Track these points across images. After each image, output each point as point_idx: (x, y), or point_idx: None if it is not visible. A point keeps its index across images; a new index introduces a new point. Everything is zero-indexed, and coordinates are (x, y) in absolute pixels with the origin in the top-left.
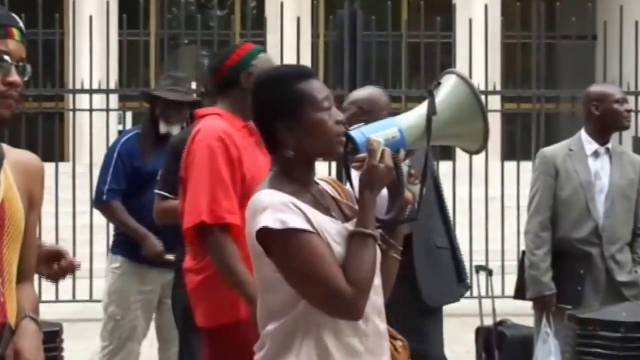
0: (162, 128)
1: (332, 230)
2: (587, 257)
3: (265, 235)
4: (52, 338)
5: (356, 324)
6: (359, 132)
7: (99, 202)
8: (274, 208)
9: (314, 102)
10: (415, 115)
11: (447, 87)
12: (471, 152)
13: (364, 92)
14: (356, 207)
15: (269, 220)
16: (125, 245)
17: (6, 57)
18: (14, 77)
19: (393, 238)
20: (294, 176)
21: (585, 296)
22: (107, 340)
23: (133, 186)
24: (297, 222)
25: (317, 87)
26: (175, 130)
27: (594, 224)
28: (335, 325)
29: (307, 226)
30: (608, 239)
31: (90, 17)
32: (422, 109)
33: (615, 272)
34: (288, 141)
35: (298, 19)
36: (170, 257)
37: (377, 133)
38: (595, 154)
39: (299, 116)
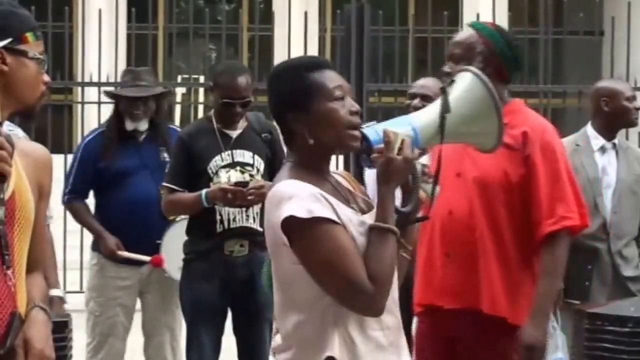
0: (129, 125)
1: (355, 221)
2: (595, 252)
3: (291, 224)
4: (60, 328)
5: (380, 317)
6: (372, 130)
7: (63, 204)
8: (300, 197)
9: (324, 91)
10: (428, 114)
11: (462, 85)
12: (486, 151)
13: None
14: (371, 201)
15: (296, 209)
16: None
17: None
18: (46, 76)
19: (403, 237)
20: (311, 167)
21: (593, 291)
22: (90, 337)
23: (100, 187)
24: (324, 212)
25: (329, 77)
26: (143, 125)
27: (601, 219)
28: (360, 318)
29: (334, 217)
30: (615, 235)
31: (100, 11)
32: (435, 107)
33: (622, 267)
34: (302, 132)
35: (305, 14)
36: (127, 254)
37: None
38: (602, 150)
39: (310, 106)
